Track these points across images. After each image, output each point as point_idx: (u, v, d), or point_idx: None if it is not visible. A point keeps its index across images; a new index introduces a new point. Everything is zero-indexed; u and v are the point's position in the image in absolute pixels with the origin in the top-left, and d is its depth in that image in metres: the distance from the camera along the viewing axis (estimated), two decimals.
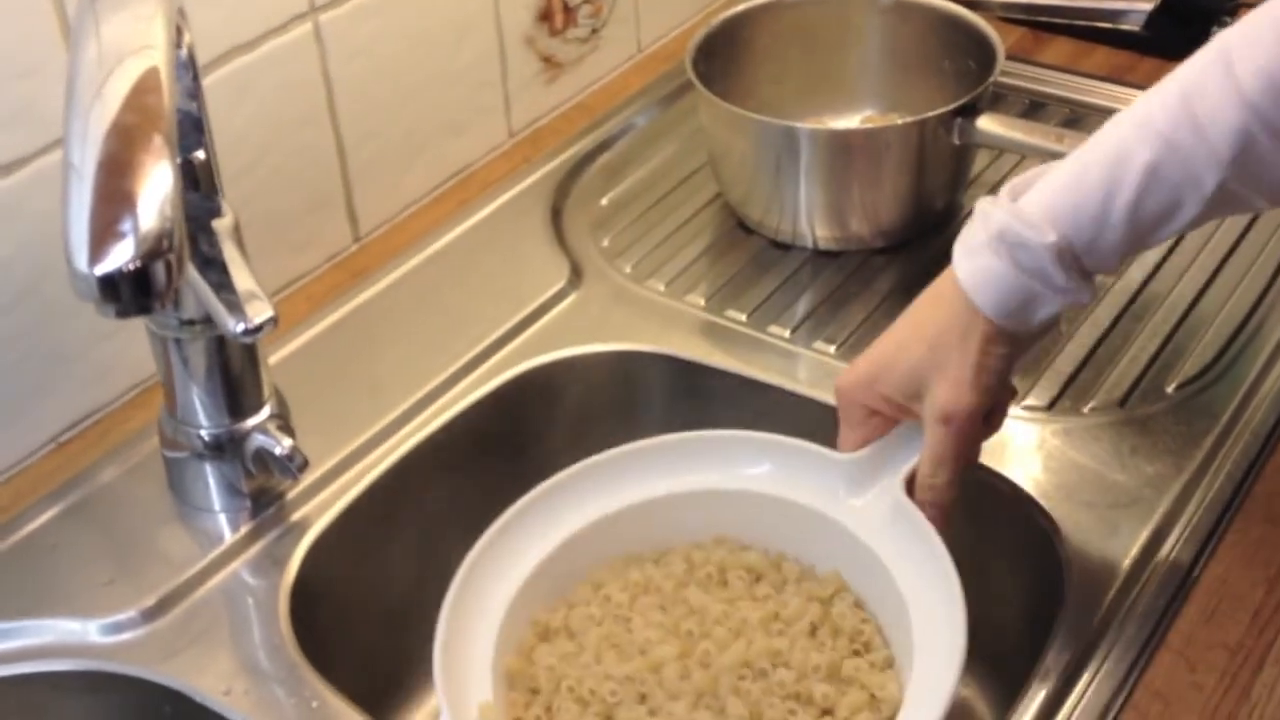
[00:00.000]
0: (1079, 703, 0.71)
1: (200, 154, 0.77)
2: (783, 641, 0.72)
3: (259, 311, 0.72)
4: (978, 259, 0.71)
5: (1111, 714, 0.70)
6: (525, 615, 0.74)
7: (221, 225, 0.76)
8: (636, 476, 0.78)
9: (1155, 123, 0.69)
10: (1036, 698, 0.71)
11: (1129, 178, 0.69)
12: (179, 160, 0.63)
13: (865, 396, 0.76)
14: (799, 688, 0.70)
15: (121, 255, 0.58)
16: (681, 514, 0.78)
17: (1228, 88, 0.67)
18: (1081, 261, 0.71)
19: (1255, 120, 0.66)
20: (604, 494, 0.77)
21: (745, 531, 0.78)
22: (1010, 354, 0.73)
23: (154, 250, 0.59)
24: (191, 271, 0.73)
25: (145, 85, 0.64)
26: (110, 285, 0.59)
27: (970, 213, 1.05)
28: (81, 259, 0.58)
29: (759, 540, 0.78)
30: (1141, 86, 1.15)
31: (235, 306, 0.72)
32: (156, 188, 0.60)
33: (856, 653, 0.72)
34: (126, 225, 0.58)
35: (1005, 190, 0.73)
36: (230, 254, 0.75)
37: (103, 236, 0.58)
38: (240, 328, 0.72)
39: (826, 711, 0.70)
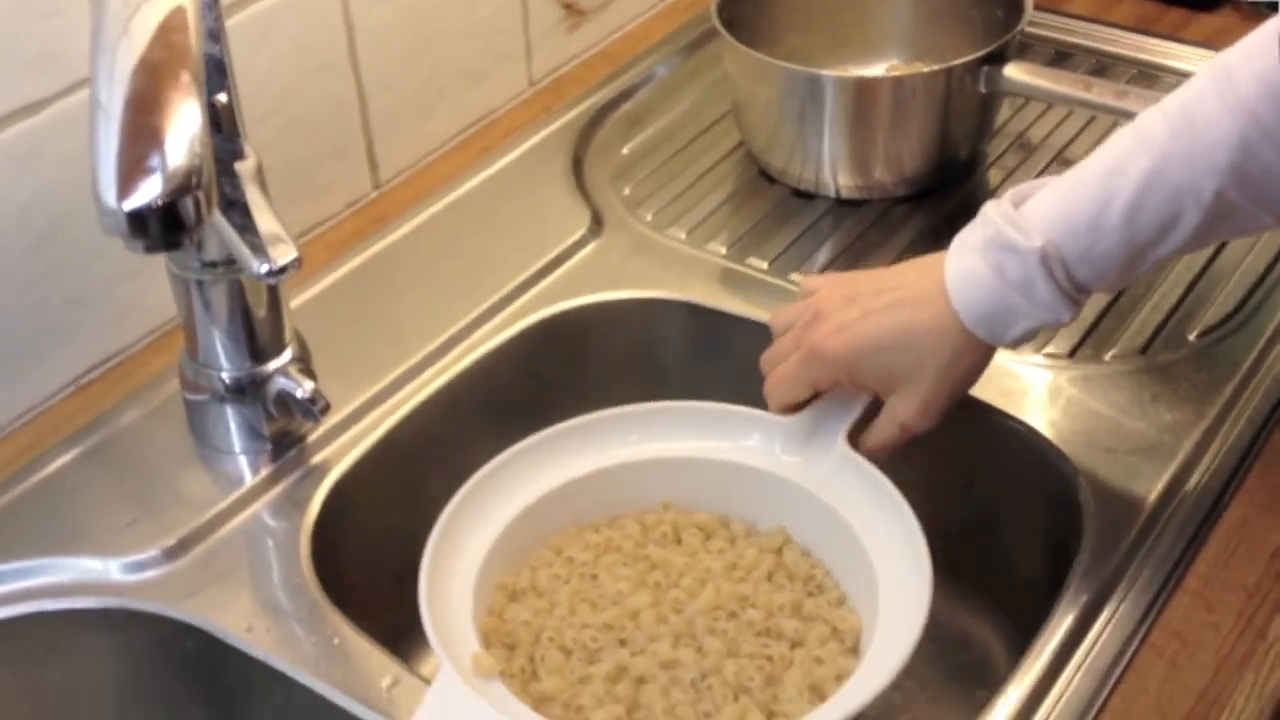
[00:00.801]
0: (1096, 641, 0.71)
1: (223, 97, 0.76)
2: (746, 586, 0.76)
3: (283, 253, 0.72)
4: (968, 259, 0.73)
5: (1129, 652, 0.70)
6: (490, 581, 0.76)
7: (244, 168, 0.76)
8: (587, 448, 0.81)
9: (1155, 133, 0.70)
10: (1054, 638, 0.71)
11: (1126, 183, 0.69)
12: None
13: (838, 373, 0.77)
14: (769, 624, 0.74)
15: (150, 191, 0.59)
16: (631, 482, 0.81)
17: (1227, 95, 0.67)
18: (1072, 272, 0.71)
19: (1255, 128, 0.67)
20: (557, 465, 0.80)
21: (690, 496, 0.82)
22: (981, 372, 0.77)
23: (183, 186, 0.59)
24: (215, 214, 0.73)
25: (172, 23, 0.64)
26: (139, 221, 0.59)
27: (993, 163, 1.07)
28: (110, 195, 0.58)
29: (704, 503, 0.81)
30: (1168, 37, 1.17)
31: (259, 248, 0.73)
32: (185, 124, 0.60)
33: (811, 594, 0.77)
34: (155, 161, 0.59)
35: (1008, 195, 0.74)
36: (253, 196, 0.75)
37: (131, 172, 0.59)
38: (264, 269, 0.72)
39: (797, 644, 0.74)
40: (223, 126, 0.77)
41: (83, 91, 0.80)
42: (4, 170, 0.82)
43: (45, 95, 0.82)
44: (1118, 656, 0.70)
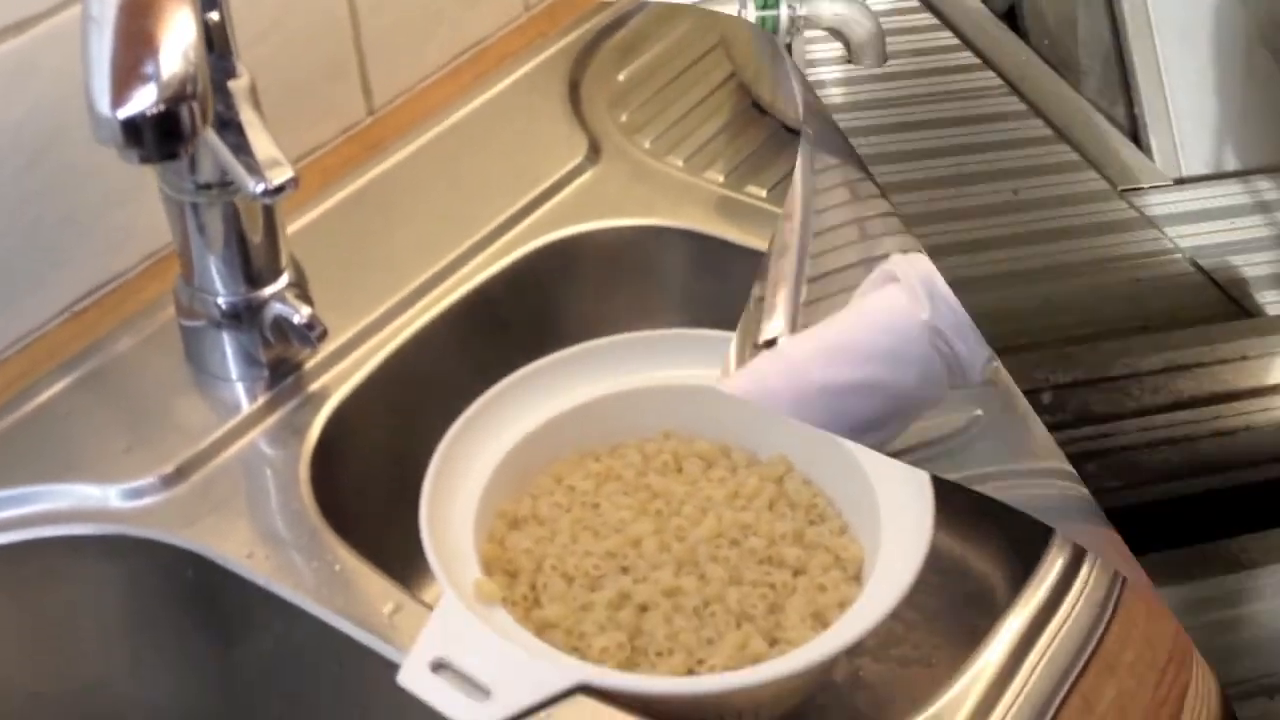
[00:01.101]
0: (1095, 569, 0.71)
1: (215, 15, 0.75)
2: (748, 515, 0.76)
3: (280, 173, 0.71)
4: None
5: None
6: (491, 508, 0.76)
7: (238, 86, 0.75)
8: (586, 376, 0.81)
9: None
10: (1054, 567, 0.71)
11: None
12: None
13: None
14: (771, 552, 0.74)
15: (145, 99, 0.58)
16: (631, 411, 0.81)
17: None
18: None
19: None
20: (557, 393, 0.80)
21: (691, 425, 0.81)
22: None
23: (178, 94, 0.58)
24: (209, 133, 0.72)
25: None
26: (134, 129, 0.58)
27: None
28: (104, 103, 0.58)
29: (705, 432, 0.81)
30: None
31: (254, 168, 0.72)
32: (180, 32, 0.59)
33: (813, 523, 0.77)
34: (149, 68, 0.58)
35: None
36: (248, 116, 0.74)
37: (126, 79, 0.58)
38: (261, 188, 0.71)
39: (799, 572, 0.74)
40: (215, 44, 0.75)
41: (77, 6, 0.79)
42: None
43: (39, 10, 0.80)
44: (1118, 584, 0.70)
